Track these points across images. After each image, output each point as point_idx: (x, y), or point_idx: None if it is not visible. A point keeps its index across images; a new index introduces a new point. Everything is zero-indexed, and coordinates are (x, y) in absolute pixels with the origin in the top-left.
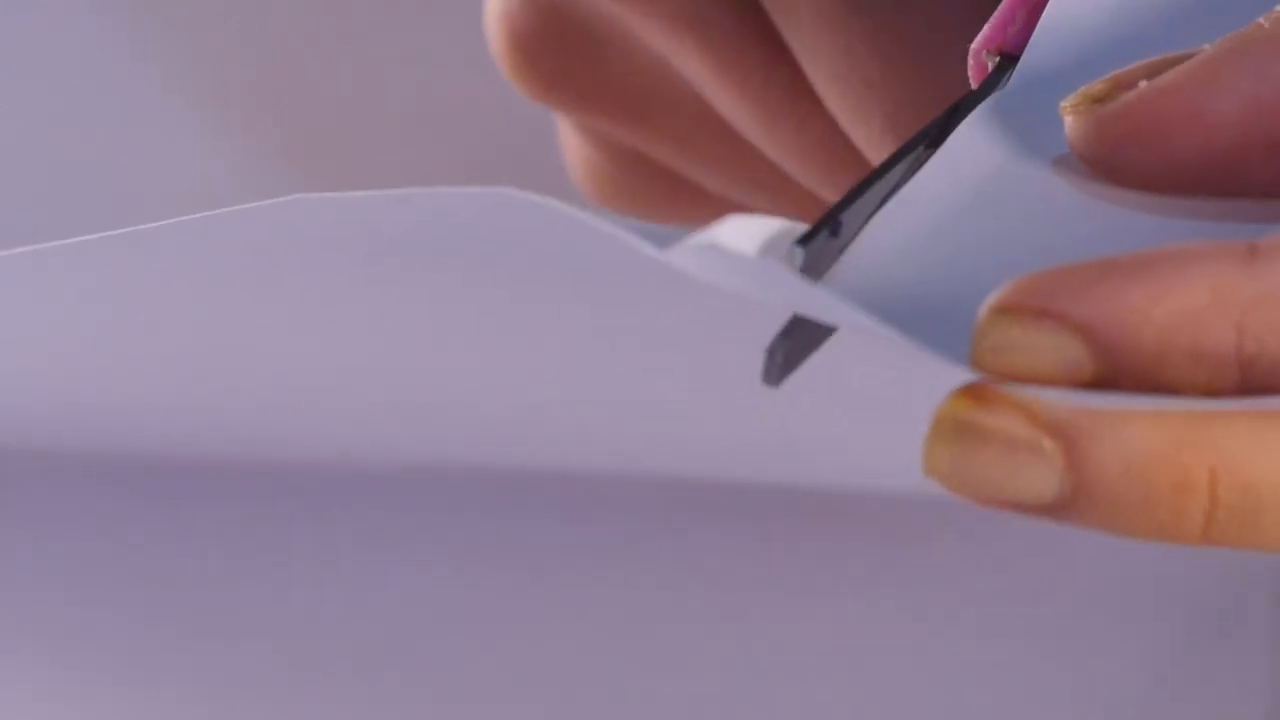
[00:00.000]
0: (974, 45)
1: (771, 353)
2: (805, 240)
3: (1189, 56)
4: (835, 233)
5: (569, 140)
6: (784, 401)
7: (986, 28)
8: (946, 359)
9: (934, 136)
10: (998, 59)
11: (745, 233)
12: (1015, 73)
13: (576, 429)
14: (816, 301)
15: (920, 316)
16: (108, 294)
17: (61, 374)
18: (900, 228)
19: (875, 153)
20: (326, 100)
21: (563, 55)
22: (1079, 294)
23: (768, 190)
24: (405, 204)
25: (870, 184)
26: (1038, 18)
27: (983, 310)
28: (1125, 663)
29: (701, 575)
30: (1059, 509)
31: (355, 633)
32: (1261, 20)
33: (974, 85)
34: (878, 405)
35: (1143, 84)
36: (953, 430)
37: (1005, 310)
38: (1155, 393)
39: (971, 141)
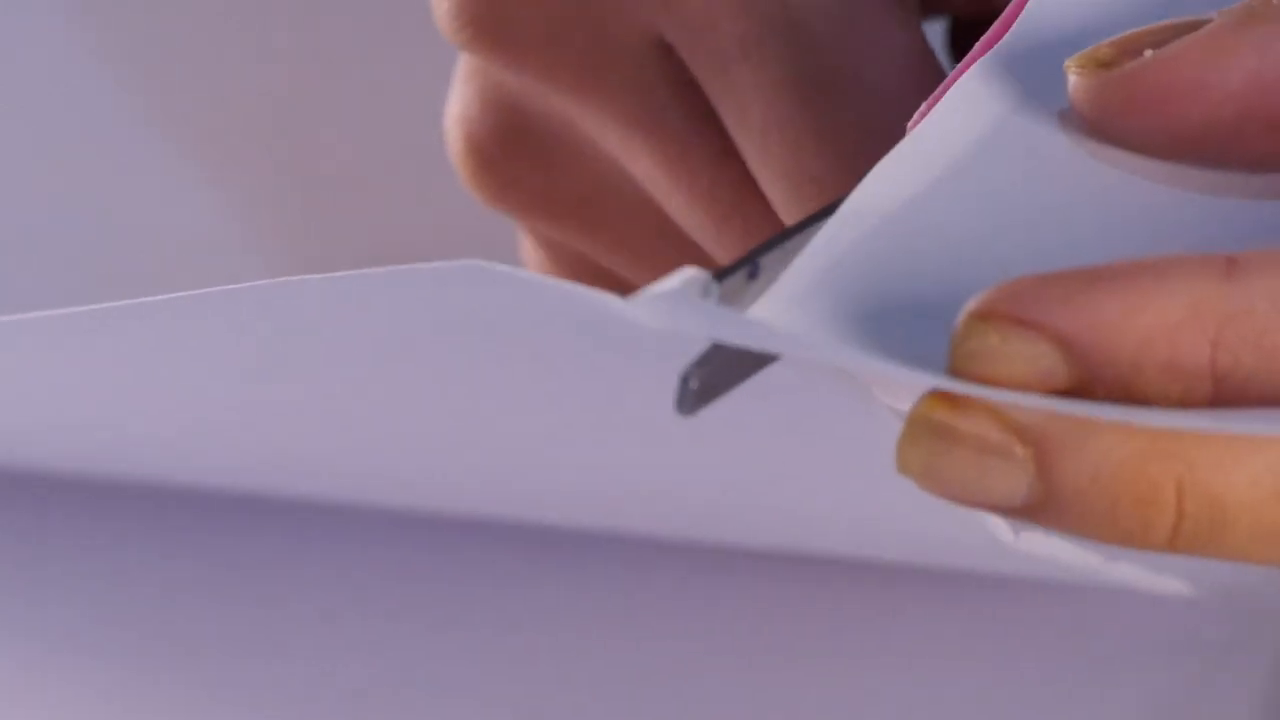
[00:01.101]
0: (910, 122)
1: (685, 379)
2: (721, 276)
3: (1196, 25)
4: (753, 275)
5: (526, 250)
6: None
7: (924, 105)
8: (912, 373)
9: None
10: None
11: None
12: (1022, 29)
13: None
14: (776, 337)
15: (903, 306)
16: (96, 366)
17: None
18: (901, 174)
19: None
20: (326, 137)
21: (518, 161)
22: (1057, 303)
23: None
24: (375, 284)
25: (794, 234)
26: None
27: (961, 315)
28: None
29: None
30: (1028, 511)
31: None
32: None
33: None
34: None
35: (1148, 52)
36: (926, 431)
37: (984, 317)
38: (1129, 402)
39: (974, 92)
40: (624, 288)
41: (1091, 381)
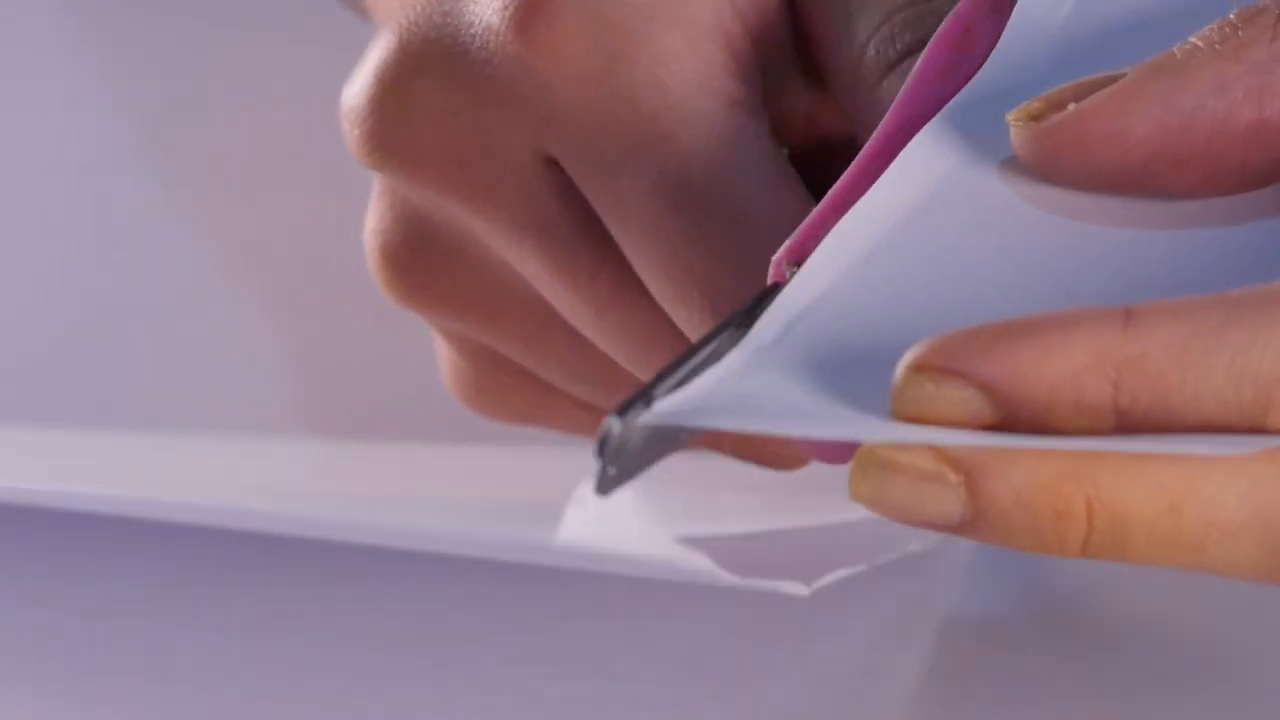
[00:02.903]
0: (776, 256)
1: (604, 467)
2: (622, 411)
3: (1113, 79)
4: (648, 405)
5: (440, 350)
6: None
7: (789, 240)
8: (860, 429)
9: (742, 319)
10: (795, 269)
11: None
12: (975, 84)
13: None
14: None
15: (857, 359)
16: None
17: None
18: (858, 231)
19: (695, 332)
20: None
21: (425, 266)
22: (980, 355)
23: (602, 382)
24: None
25: (684, 361)
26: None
27: (900, 367)
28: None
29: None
30: (962, 528)
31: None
32: (1175, 50)
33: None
34: None
35: (1071, 106)
36: (873, 464)
37: (919, 369)
38: (1045, 435)
39: (928, 148)
40: (524, 376)
41: (1013, 420)
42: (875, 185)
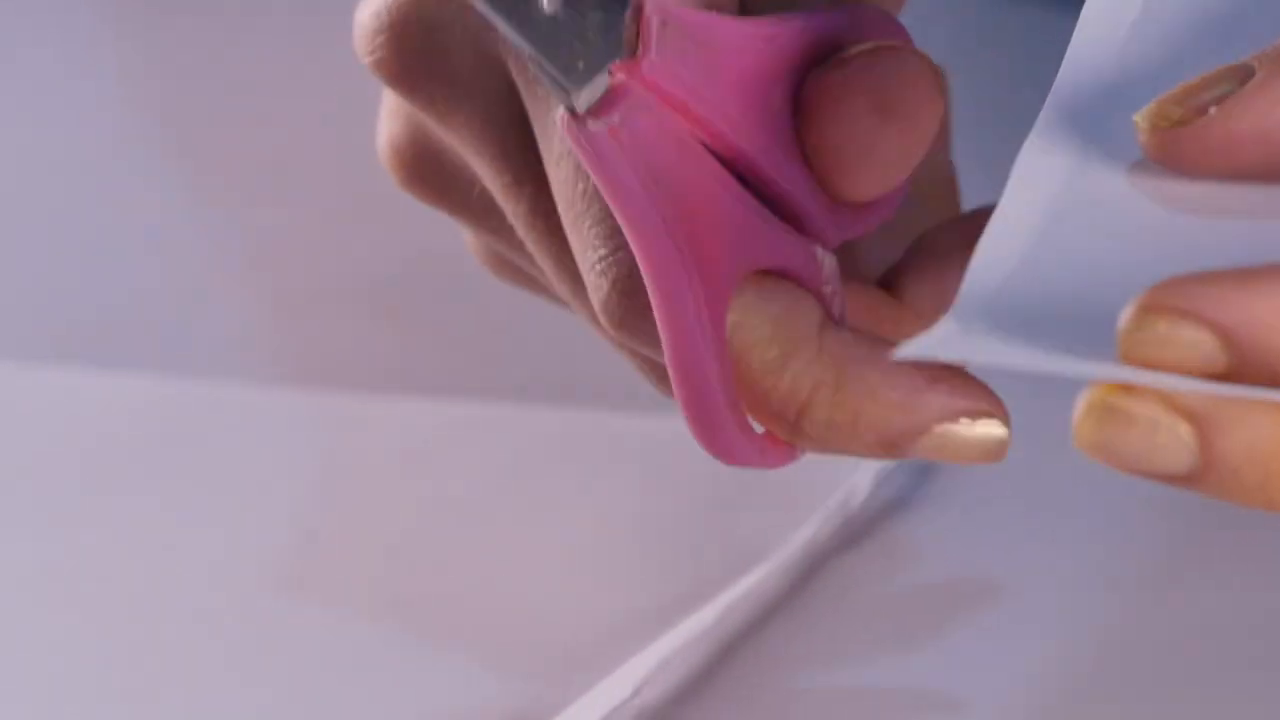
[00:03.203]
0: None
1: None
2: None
3: (1244, 72)
4: None
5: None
6: None
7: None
8: (1080, 363)
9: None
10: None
11: None
12: (1072, 72)
13: None
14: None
15: (1060, 322)
16: None
17: None
18: (1003, 245)
19: (586, 262)
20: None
21: (421, 161)
22: (1218, 299)
23: (569, 280)
24: None
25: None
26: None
27: (1130, 309)
28: None
29: None
30: (1188, 481)
31: None
32: None
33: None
34: None
35: (1212, 110)
36: (1102, 412)
37: (1151, 309)
38: (1276, 387)
39: (1037, 168)
40: (517, 270)
41: (1244, 368)
42: (998, 209)
